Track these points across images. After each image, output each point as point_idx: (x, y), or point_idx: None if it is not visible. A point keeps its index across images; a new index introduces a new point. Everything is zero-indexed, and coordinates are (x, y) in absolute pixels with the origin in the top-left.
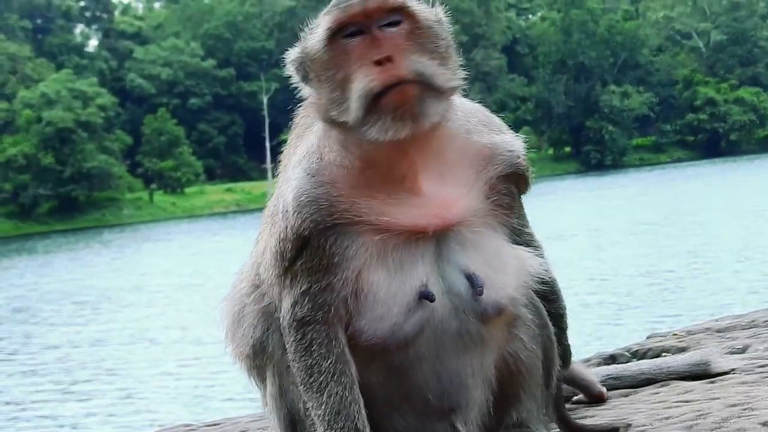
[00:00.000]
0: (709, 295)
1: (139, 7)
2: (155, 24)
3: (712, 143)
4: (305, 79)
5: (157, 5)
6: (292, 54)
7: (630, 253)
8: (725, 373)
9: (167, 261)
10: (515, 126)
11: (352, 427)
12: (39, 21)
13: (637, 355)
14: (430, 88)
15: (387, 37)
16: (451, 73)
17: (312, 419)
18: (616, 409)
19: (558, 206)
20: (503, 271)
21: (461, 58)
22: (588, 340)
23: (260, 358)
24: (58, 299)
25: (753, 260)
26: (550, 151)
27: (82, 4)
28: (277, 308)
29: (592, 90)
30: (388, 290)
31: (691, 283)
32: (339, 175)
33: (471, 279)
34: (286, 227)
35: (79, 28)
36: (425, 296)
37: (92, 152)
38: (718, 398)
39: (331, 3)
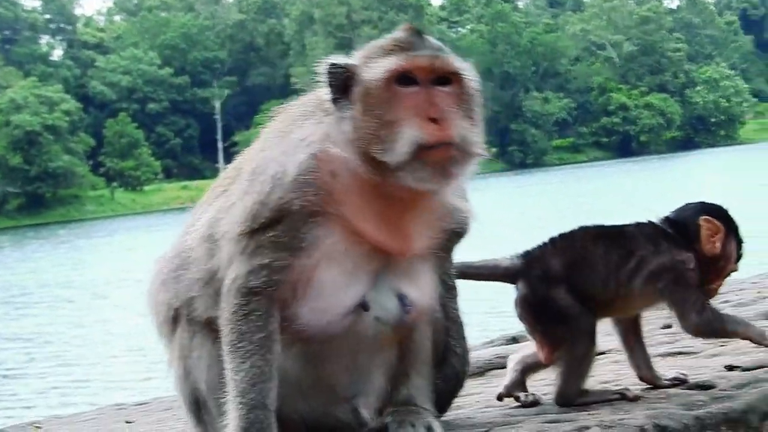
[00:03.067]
0: None
1: (101, 20)
2: (116, 35)
3: (625, 144)
4: (341, 91)
5: (117, 18)
6: (334, 64)
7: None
8: (602, 353)
9: (117, 255)
10: None
11: (261, 402)
12: (7, 32)
13: (517, 340)
14: (465, 153)
15: (441, 96)
16: (480, 140)
17: (213, 401)
18: (499, 386)
19: (486, 201)
20: (426, 294)
21: None
22: (495, 322)
23: (170, 331)
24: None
25: None
26: None
27: (47, 16)
28: (220, 267)
29: (516, 96)
30: (334, 290)
31: None
32: (340, 173)
33: (401, 299)
34: (271, 193)
35: (45, 39)
36: (362, 305)
37: (57, 153)
38: (591, 375)
39: (395, 40)
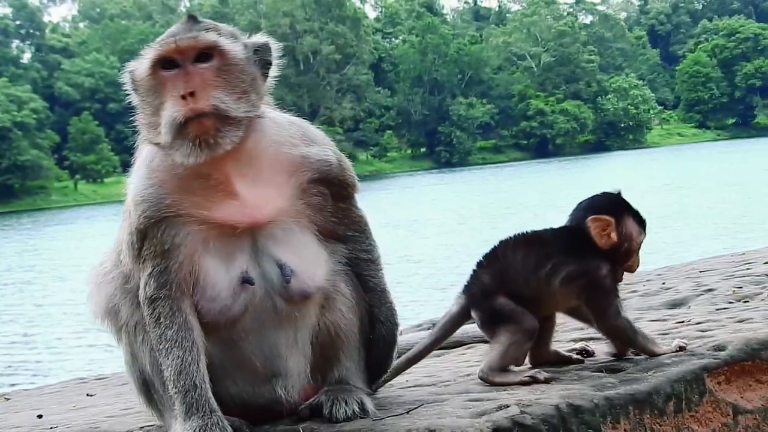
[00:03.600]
0: None
1: (67, 26)
2: (80, 41)
3: (542, 146)
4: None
5: (81, 25)
6: (125, 73)
7: (474, 235)
8: None
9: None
10: (380, 130)
11: (191, 384)
12: None
13: None
14: (226, 120)
15: (196, 73)
16: (249, 105)
17: (159, 381)
18: (428, 366)
19: (416, 196)
20: (310, 263)
21: (337, 74)
22: (424, 307)
23: (114, 323)
24: None
25: None
26: (409, 151)
27: (18, 22)
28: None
29: (443, 101)
30: (216, 276)
31: None
32: (165, 178)
33: (282, 268)
34: (130, 222)
35: (15, 43)
36: (246, 281)
37: (26, 148)
38: None
39: (167, 31)
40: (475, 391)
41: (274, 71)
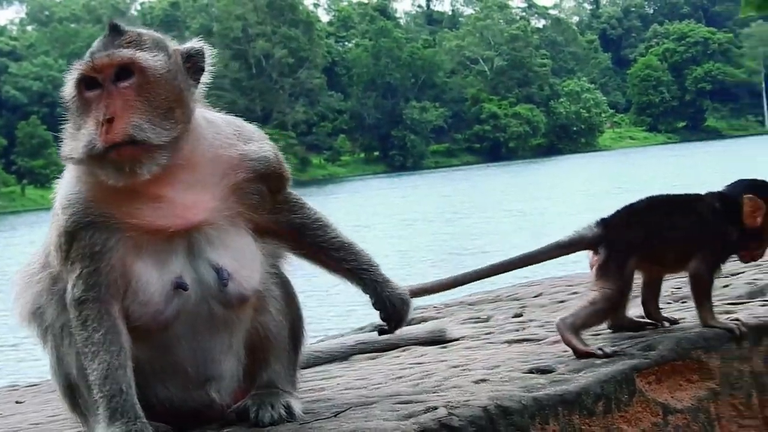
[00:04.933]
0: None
1: (14, 29)
2: (28, 44)
3: (495, 150)
4: None
5: (29, 28)
6: (63, 90)
7: (426, 238)
8: (456, 339)
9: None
10: (333, 134)
11: (117, 389)
12: None
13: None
14: (146, 147)
15: (117, 94)
16: (173, 123)
17: (85, 385)
18: (361, 370)
19: (369, 200)
20: (247, 265)
21: (289, 78)
22: (366, 313)
23: (40, 325)
24: None
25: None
26: (362, 155)
27: None
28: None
29: (396, 105)
30: (148, 280)
31: (463, 263)
32: (94, 182)
33: (218, 272)
34: (59, 224)
35: None
36: (180, 286)
37: None
38: (445, 360)
39: (93, 45)
40: (405, 394)
41: (206, 77)
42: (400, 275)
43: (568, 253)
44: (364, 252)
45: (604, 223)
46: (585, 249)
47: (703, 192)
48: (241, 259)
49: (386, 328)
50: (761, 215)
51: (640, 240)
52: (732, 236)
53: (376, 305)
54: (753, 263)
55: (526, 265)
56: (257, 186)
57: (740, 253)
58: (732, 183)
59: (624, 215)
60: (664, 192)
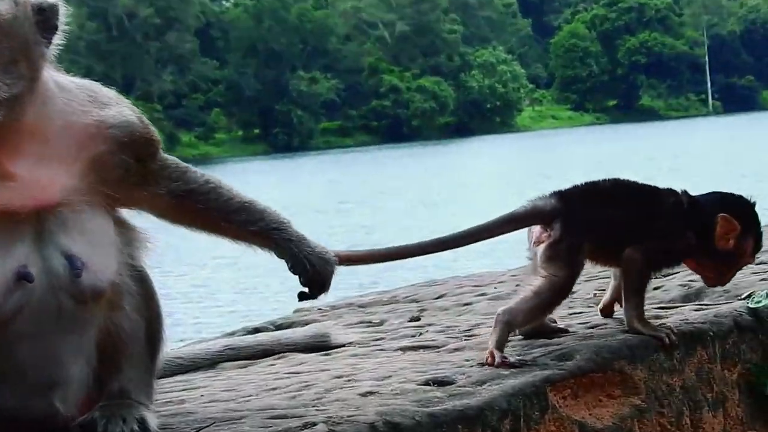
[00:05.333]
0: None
1: None
2: None
3: (395, 128)
4: None
5: None
6: None
7: (313, 230)
8: (342, 345)
9: None
10: (207, 108)
11: None
12: None
13: (282, 328)
14: None
15: None
16: (16, 78)
17: None
18: (229, 380)
19: (248, 186)
20: (105, 253)
21: (156, 41)
22: (241, 313)
23: None
24: None
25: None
26: (240, 133)
27: None
28: None
29: (281, 75)
30: None
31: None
32: None
33: (71, 260)
34: None
35: None
36: (23, 276)
37: None
38: (327, 370)
39: None
40: (279, 407)
41: (59, 37)
42: (282, 277)
43: (521, 227)
44: (270, 209)
45: (560, 195)
46: (539, 223)
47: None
48: (98, 246)
49: (308, 293)
50: (734, 238)
51: (600, 221)
52: (687, 242)
53: (294, 268)
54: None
55: (476, 241)
56: (121, 157)
57: (706, 274)
58: (707, 194)
59: (585, 191)
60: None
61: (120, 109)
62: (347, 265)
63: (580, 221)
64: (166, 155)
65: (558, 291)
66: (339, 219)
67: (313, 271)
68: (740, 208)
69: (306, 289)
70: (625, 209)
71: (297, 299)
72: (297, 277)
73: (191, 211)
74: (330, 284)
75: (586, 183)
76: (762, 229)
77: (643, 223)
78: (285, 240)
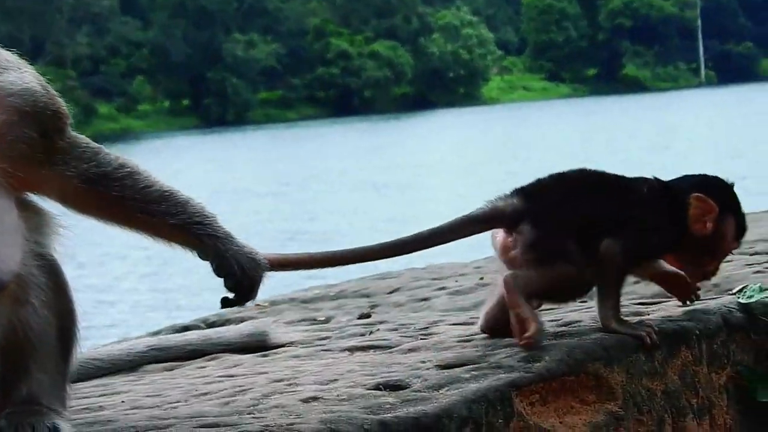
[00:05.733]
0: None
1: None
2: None
3: (345, 100)
4: None
5: None
6: None
7: (248, 216)
8: (282, 345)
9: None
10: (128, 75)
11: None
12: None
13: (214, 326)
14: None
15: None
16: None
17: None
18: (154, 384)
19: (176, 165)
20: (7, 240)
21: None
22: (168, 310)
23: None
24: None
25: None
26: (167, 104)
27: None
28: None
29: (214, 37)
30: None
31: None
32: None
33: None
34: None
35: None
36: None
37: None
38: (265, 372)
39: None
40: (210, 415)
41: None
42: (193, 271)
43: (480, 231)
44: (194, 201)
45: (524, 193)
46: (501, 226)
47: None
48: (1, 231)
49: (233, 298)
50: (712, 221)
51: (573, 217)
52: (666, 232)
53: (220, 269)
54: None
55: (428, 247)
56: (23, 131)
57: (689, 269)
58: (679, 178)
59: (551, 186)
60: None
61: (21, 75)
62: (279, 270)
63: (554, 220)
64: (76, 133)
65: (564, 287)
66: (278, 203)
67: (242, 274)
68: (715, 187)
69: (231, 295)
70: (597, 202)
71: (220, 305)
72: (222, 279)
73: (103, 199)
74: (258, 290)
75: (550, 176)
76: (744, 213)
77: (618, 214)
78: (210, 236)
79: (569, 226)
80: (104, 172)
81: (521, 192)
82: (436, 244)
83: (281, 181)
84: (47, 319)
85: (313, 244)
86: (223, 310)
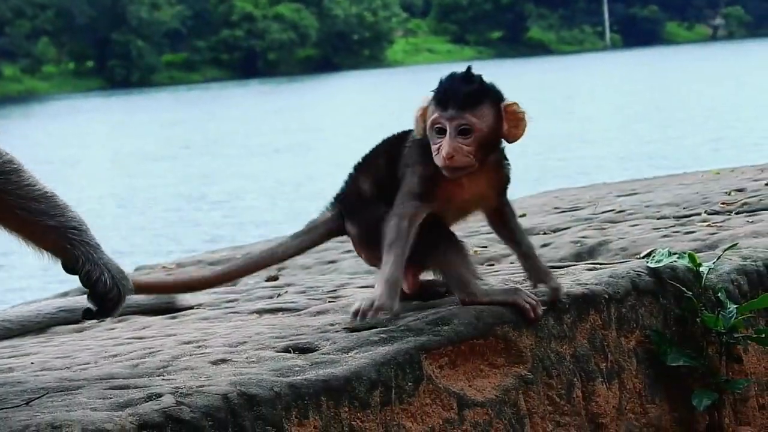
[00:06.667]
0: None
1: None
2: None
3: (249, 62)
4: None
5: None
6: None
7: (147, 181)
8: (190, 308)
9: None
10: (33, 36)
11: None
12: None
13: None
14: None
15: None
16: None
17: None
18: (63, 345)
19: (80, 127)
20: None
21: None
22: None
23: None
24: None
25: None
26: (72, 66)
27: None
28: None
29: (118, 0)
30: None
31: (200, 220)
32: None
33: None
34: None
35: None
36: None
37: None
38: (173, 335)
39: None
40: (120, 377)
41: None
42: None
43: (316, 245)
44: (69, 207)
45: (337, 199)
46: (337, 235)
47: None
48: None
49: (95, 309)
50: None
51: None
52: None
53: (89, 275)
54: (580, 219)
55: (266, 267)
56: None
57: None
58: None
59: (354, 179)
60: None
61: None
62: (141, 293)
63: (364, 210)
64: None
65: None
66: (179, 167)
67: (112, 283)
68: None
69: (92, 306)
70: (390, 174)
71: (80, 317)
72: (86, 289)
73: None
74: (122, 305)
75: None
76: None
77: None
78: (83, 243)
79: (379, 212)
80: None
81: (336, 199)
82: (274, 264)
83: (183, 144)
84: None
85: (213, 208)
86: (133, 271)
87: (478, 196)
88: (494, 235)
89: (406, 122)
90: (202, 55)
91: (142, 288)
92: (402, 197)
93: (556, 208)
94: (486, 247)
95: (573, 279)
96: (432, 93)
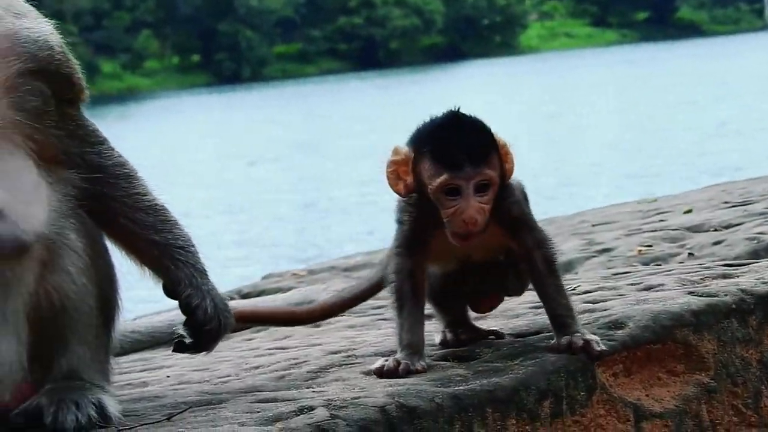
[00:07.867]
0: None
1: None
2: None
3: (369, 52)
4: None
5: None
6: None
7: (270, 185)
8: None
9: None
10: (133, 29)
11: None
12: None
13: (249, 297)
14: None
15: None
16: None
17: None
18: (199, 357)
19: (186, 125)
20: (27, 199)
21: None
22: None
23: None
24: None
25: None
26: (175, 60)
27: None
28: None
29: None
30: None
31: (341, 217)
32: None
33: None
34: None
35: None
36: None
37: None
38: (319, 344)
39: None
40: (266, 389)
41: None
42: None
43: None
44: (179, 224)
45: None
46: None
47: None
48: (19, 189)
49: (190, 342)
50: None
51: None
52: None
53: (190, 300)
54: (754, 214)
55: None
56: (38, 86)
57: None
58: None
59: None
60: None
61: (40, 24)
62: (241, 324)
63: None
64: (86, 117)
65: None
66: (293, 169)
67: (213, 312)
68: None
69: (187, 337)
70: None
71: (172, 349)
72: (185, 316)
73: (93, 194)
74: (221, 340)
75: None
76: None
77: None
78: (188, 264)
79: None
80: (102, 164)
81: None
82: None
83: (302, 140)
84: (86, 288)
85: (329, 215)
86: (260, 280)
87: (480, 243)
88: (660, 233)
89: (543, 115)
90: (317, 46)
91: (246, 318)
92: (395, 251)
93: (725, 202)
94: (651, 246)
95: (757, 277)
96: (412, 145)
